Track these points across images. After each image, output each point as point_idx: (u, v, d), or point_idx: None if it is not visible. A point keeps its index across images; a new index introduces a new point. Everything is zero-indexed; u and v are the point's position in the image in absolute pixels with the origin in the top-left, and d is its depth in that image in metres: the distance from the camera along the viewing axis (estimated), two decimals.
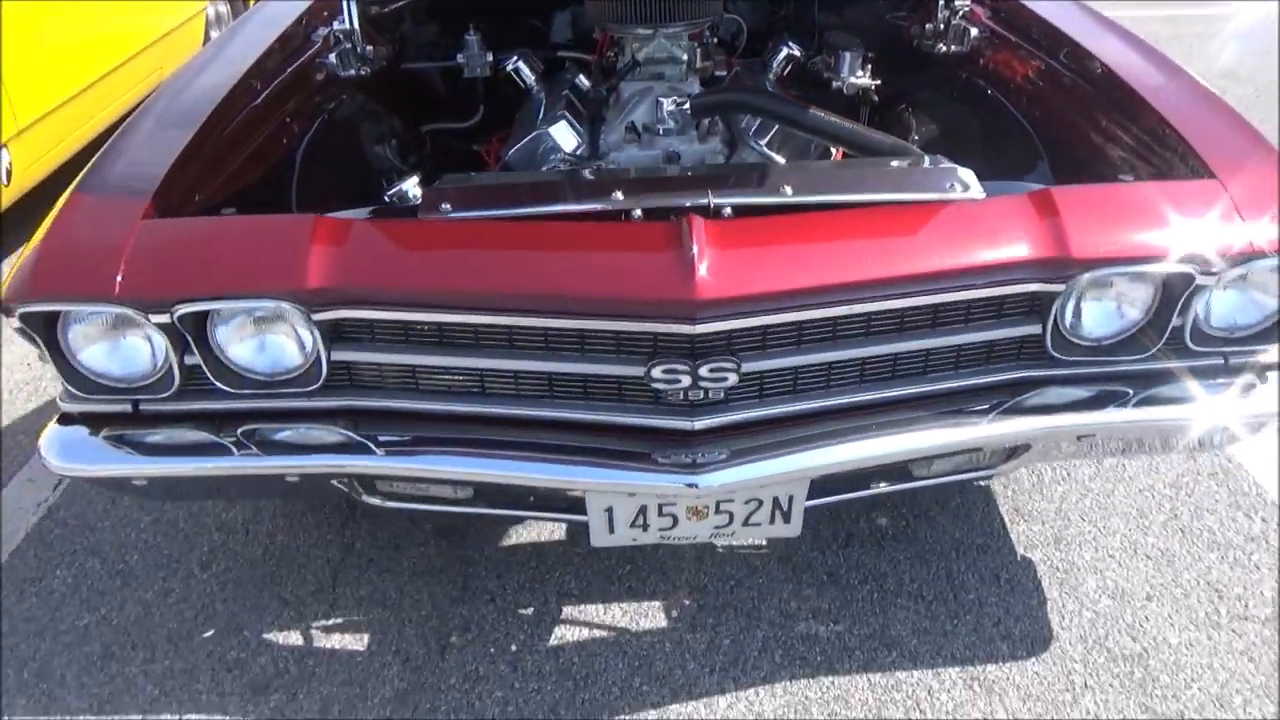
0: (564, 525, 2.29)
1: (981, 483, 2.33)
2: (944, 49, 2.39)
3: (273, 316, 1.56)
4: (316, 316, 1.51)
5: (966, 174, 1.69)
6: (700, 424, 1.58)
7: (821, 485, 1.70)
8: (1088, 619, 2.02)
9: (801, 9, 2.76)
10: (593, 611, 2.07)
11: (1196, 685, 1.87)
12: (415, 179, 1.86)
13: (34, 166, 3.60)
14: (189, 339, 1.54)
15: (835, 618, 2.04)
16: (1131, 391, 1.67)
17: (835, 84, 2.47)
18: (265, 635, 2.05)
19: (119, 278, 1.49)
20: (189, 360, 1.58)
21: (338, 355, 1.59)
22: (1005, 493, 2.37)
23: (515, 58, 2.46)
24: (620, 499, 1.61)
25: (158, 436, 1.65)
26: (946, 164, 1.73)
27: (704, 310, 1.42)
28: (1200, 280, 1.53)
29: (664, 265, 1.43)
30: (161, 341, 1.56)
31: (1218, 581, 2.11)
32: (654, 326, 1.46)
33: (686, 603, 2.09)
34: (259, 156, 1.96)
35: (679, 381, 1.51)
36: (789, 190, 1.66)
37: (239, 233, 1.58)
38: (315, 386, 1.60)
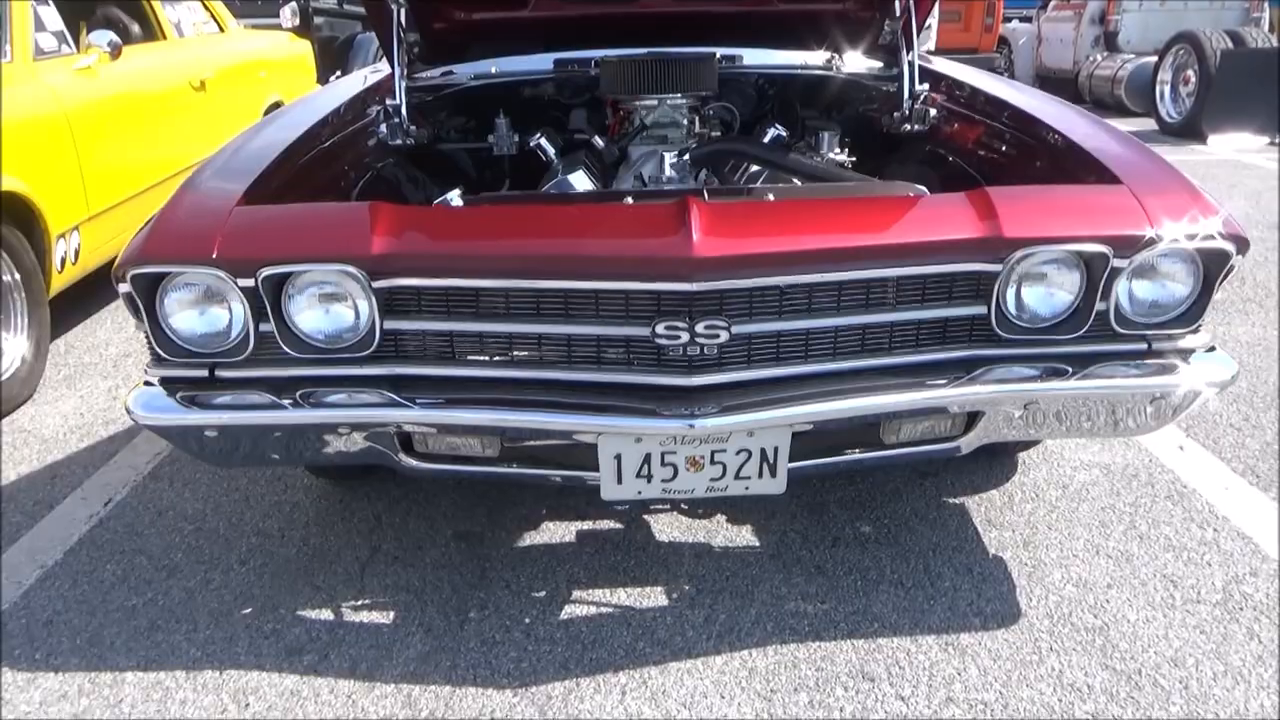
0: (575, 530, 2.50)
1: (955, 503, 2.56)
2: (909, 128, 2.79)
3: (338, 289, 1.85)
4: (375, 284, 1.81)
5: (919, 188, 2.02)
6: (697, 381, 1.84)
7: (804, 448, 1.94)
8: (1054, 602, 2.21)
9: (786, 103, 3.20)
10: (600, 594, 2.26)
11: (1153, 649, 2.04)
12: (458, 190, 2.19)
13: (97, 251, 3.98)
14: (267, 306, 1.83)
15: (822, 599, 2.22)
16: (1071, 369, 1.94)
17: (815, 160, 2.86)
18: (299, 612, 2.23)
19: (215, 247, 1.80)
20: (263, 328, 1.87)
21: (389, 325, 1.87)
22: (978, 509, 2.58)
23: (539, 135, 2.87)
24: (628, 445, 1.85)
25: (225, 397, 1.92)
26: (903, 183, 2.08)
27: (699, 269, 1.72)
28: (1115, 262, 1.83)
29: (667, 230, 1.75)
30: (241, 310, 1.85)
31: (1173, 575, 2.30)
32: (658, 285, 1.75)
33: (686, 587, 2.28)
34: (322, 188, 2.31)
35: (679, 338, 1.79)
36: (770, 197, 1.99)
37: (313, 214, 1.91)
38: (368, 353, 1.88)
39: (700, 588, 2.27)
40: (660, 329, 1.79)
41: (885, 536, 2.46)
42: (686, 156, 2.49)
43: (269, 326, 1.87)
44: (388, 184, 2.64)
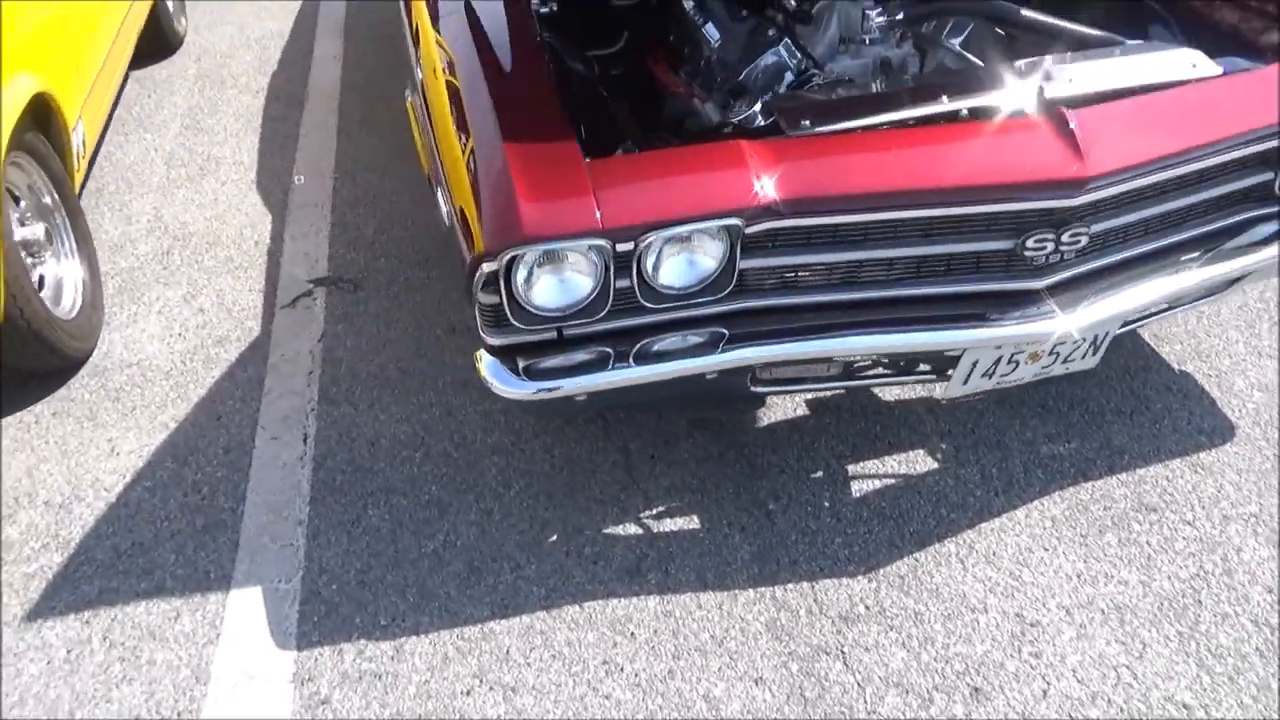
0: (804, 400, 2.61)
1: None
2: None
3: (703, 239, 1.77)
4: (750, 229, 1.75)
5: (1196, 54, 2.07)
6: (1044, 282, 1.93)
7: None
8: (1251, 409, 2.54)
9: None
10: (872, 465, 2.43)
11: None
12: (760, 103, 2.06)
13: (94, 132, 3.47)
14: (633, 264, 1.74)
15: (1067, 439, 2.47)
16: None
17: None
18: (605, 530, 2.29)
19: (597, 213, 1.67)
20: (619, 284, 1.79)
21: (742, 264, 1.83)
22: None
23: None
24: (987, 352, 1.95)
25: (554, 360, 1.84)
26: (1171, 46, 2.11)
27: (1090, 184, 1.76)
28: None
29: (1056, 150, 1.76)
30: (601, 269, 1.75)
31: None
32: (1041, 204, 1.79)
33: (943, 446, 2.47)
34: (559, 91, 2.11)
35: (1046, 248, 1.86)
36: (1070, 80, 2.00)
37: (682, 164, 1.78)
38: (725, 293, 1.84)
39: (955, 444, 2.47)
40: (1029, 242, 1.84)
41: None
42: (900, 15, 2.39)
43: (626, 282, 1.79)
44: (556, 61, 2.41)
